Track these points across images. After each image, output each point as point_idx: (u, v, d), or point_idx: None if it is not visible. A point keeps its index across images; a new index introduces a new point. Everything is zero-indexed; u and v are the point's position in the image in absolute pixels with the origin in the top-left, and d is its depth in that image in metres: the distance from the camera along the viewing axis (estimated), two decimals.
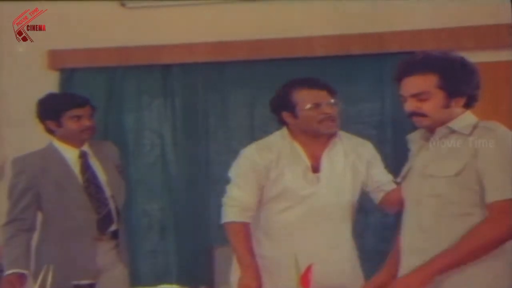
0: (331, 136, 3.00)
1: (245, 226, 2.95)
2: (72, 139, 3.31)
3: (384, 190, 3.01)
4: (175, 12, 4.18)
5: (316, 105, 2.93)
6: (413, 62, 2.48)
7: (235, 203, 2.97)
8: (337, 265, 2.95)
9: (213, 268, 4.03)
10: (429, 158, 2.47)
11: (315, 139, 2.99)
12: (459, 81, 2.43)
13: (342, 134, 3.06)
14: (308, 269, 2.48)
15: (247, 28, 4.12)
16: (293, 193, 2.95)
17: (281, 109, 3.01)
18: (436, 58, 2.47)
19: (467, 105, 2.49)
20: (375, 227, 4.02)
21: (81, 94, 3.45)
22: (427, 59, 2.47)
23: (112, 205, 3.31)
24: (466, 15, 3.90)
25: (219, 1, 4.16)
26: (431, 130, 2.49)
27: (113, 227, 3.31)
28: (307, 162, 2.98)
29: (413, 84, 2.45)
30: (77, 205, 3.25)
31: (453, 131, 2.44)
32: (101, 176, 3.34)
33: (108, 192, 3.32)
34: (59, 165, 3.29)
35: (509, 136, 2.40)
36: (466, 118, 2.47)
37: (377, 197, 3.03)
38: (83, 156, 3.33)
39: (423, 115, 2.45)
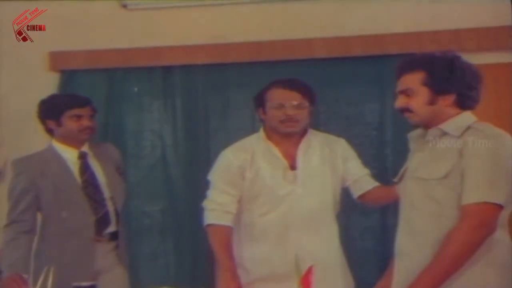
0: (302, 135, 3.06)
1: (225, 229, 2.99)
2: (71, 139, 3.30)
3: (361, 184, 3.06)
4: (176, 14, 4.17)
5: (280, 105, 2.99)
6: (407, 62, 2.52)
7: (215, 206, 3.01)
8: (326, 265, 2.93)
9: (214, 270, 4.02)
10: (421, 160, 2.47)
11: (288, 138, 3.04)
12: (444, 79, 2.42)
13: (314, 133, 3.12)
14: (309, 270, 2.46)
15: (248, 29, 4.12)
16: (272, 193, 2.99)
17: (258, 105, 3.09)
18: (427, 56, 2.50)
19: (462, 105, 2.46)
20: (375, 229, 4.01)
21: (82, 95, 3.45)
22: (419, 58, 2.51)
23: (110, 207, 3.30)
24: (466, 17, 3.90)
25: (220, 3, 4.16)
26: (425, 129, 2.49)
27: (111, 229, 3.29)
28: (283, 160, 3.02)
29: (402, 81, 2.50)
30: (74, 206, 3.23)
31: (444, 133, 2.43)
32: (101, 177, 3.33)
33: (107, 193, 3.31)
34: (58, 166, 3.28)
35: (497, 137, 2.36)
36: (460, 120, 2.44)
37: (355, 191, 3.08)
38: (82, 156, 3.32)
39: (409, 110, 2.48)
